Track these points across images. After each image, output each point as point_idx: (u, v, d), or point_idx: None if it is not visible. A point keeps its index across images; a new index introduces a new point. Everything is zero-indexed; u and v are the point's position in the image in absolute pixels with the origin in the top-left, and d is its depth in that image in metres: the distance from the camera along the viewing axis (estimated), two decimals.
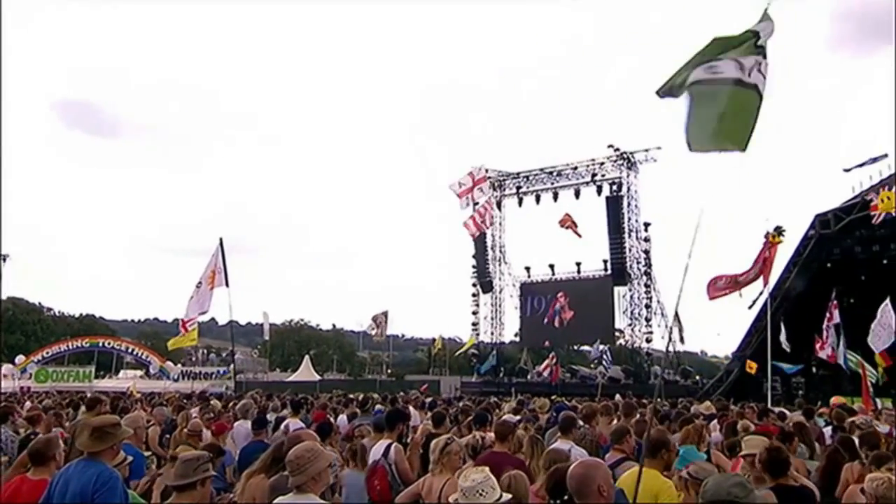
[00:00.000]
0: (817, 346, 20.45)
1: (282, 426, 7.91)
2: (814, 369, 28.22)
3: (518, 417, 7.99)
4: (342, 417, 8.94)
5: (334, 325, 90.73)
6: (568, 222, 34.55)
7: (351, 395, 14.04)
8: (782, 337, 22.49)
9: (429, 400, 13.40)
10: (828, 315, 18.50)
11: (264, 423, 7.19)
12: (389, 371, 65.49)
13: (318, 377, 45.47)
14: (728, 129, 3.69)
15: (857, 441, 5.96)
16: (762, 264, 14.04)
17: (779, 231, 14.05)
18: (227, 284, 16.39)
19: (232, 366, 29.32)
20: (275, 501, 3.58)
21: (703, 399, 23.49)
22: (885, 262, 26.62)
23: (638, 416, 7.78)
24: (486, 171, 32.94)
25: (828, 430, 8.48)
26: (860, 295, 25.56)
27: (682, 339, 28.75)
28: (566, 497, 3.29)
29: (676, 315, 24.82)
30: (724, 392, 28.05)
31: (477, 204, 31.26)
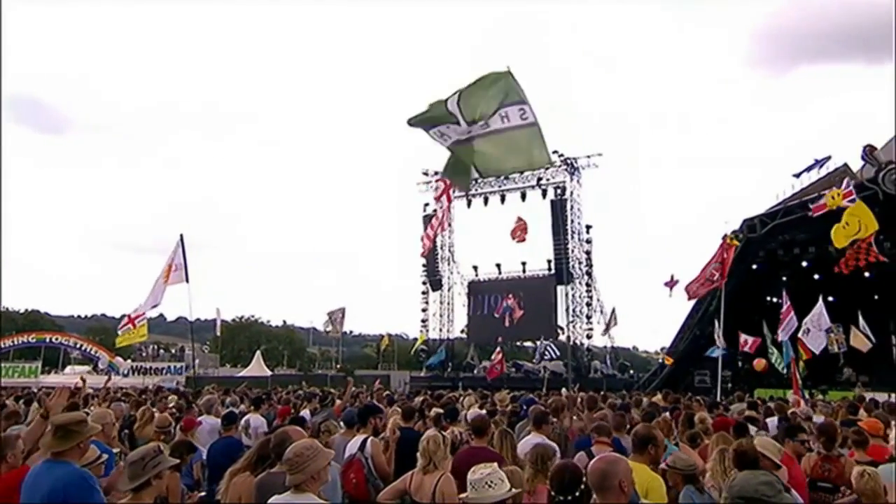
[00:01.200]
0: (741, 343, 21.40)
1: (242, 421, 7.73)
2: (739, 363, 29.46)
3: (484, 411, 7.80)
4: (305, 412, 8.80)
5: (285, 322, 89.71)
6: (517, 232, 35.08)
7: (314, 391, 13.84)
8: (717, 334, 23.42)
9: (385, 394, 13.37)
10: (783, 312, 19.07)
11: (234, 419, 6.98)
12: (339, 366, 65.11)
13: (269, 372, 44.79)
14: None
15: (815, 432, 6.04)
16: (721, 265, 14.63)
17: (735, 235, 14.77)
18: (186, 280, 16.18)
19: (196, 361, 28.82)
20: (271, 501, 3.44)
21: (639, 392, 24.38)
22: (804, 264, 28.01)
23: (601, 410, 7.62)
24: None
25: (772, 421, 8.49)
26: (781, 294, 26.88)
27: (607, 333, 29.60)
28: (577, 494, 3.20)
29: (613, 312, 25.70)
30: (657, 385, 28.93)
31: (436, 211, 31.38)
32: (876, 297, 28.25)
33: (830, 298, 22.73)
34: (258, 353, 49.96)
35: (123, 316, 20.02)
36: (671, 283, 26.07)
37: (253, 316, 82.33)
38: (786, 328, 17.95)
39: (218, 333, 47.97)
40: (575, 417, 7.01)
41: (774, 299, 28.23)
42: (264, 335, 76.57)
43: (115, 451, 5.95)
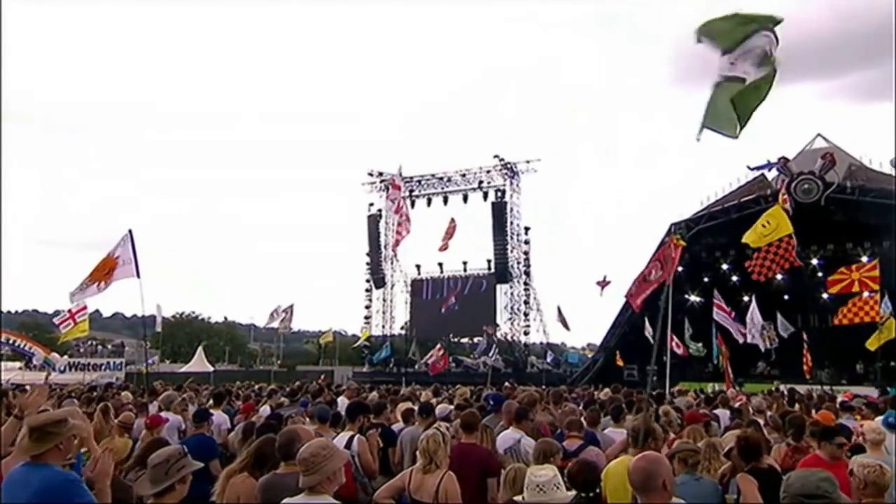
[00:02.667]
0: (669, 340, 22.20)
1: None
2: (664, 358, 30.55)
3: (451, 406, 7.71)
4: (265, 408, 8.52)
5: (226, 318, 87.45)
6: (445, 237, 35.31)
7: (273, 386, 13.51)
8: (647, 332, 24.27)
9: (336, 388, 13.23)
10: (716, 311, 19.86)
11: (206, 416, 6.48)
12: (280, 362, 64.14)
13: (211, 368, 43.81)
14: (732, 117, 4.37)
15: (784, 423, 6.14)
16: (667, 264, 15.07)
17: (682, 236, 15.21)
18: (137, 276, 15.60)
19: (136, 357, 27.76)
20: (284, 502, 3.24)
21: (574, 385, 25.09)
22: (724, 266, 29.35)
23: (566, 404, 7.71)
24: (402, 175, 33.25)
25: (724, 413, 8.50)
26: (703, 294, 28.13)
27: (566, 328, 30.25)
28: (597, 491, 3.17)
29: (559, 310, 26.42)
30: (590, 379, 29.70)
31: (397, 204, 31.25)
32: (786, 297, 29.85)
33: (746, 298, 23.98)
34: (200, 349, 48.68)
35: (58, 311, 19.17)
36: (603, 283, 27.00)
37: (193, 312, 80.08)
38: (729, 325, 18.83)
39: (158, 329, 46.37)
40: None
41: (696, 299, 29.48)
42: (205, 331, 74.48)
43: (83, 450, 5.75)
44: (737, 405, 9.48)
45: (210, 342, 66.29)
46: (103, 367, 37.51)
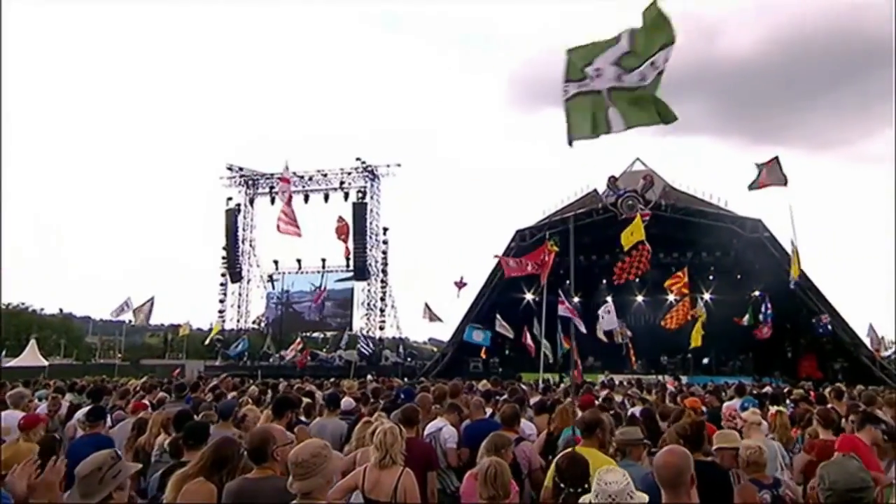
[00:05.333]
0: (524, 335, 23.45)
1: (77, 415, 6.54)
2: (507, 351, 32.11)
3: (353, 401, 7.34)
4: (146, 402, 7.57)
5: (61, 310, 78.49)
6: (339, 233, 34.67)
7: (148, 381, 12.29)
8: (498, 326, 25.33)
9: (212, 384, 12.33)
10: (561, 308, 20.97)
11: (102, 415, 5.67)
12: (121, 356, 58.97)
13: (45, 362, 39.26)
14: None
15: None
16: (540, 266, 15.77)
17: (555, 242, 16.04)
18: None
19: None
20: None
21: (425, 376, 25.60)
22: (560, 270, 31.36)
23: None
24: (288, 170, 31.83)
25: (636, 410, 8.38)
26: (547, 294, 29.85)
27: (439, 319, 30.59)
28: (586, 486, 2.93)
29: (427, 307, 26.79)
30: (439, 372, 30.40)
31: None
32: (608, 298, 32.55)
33: (576, 299, 25.92)
34: (32, 341, 43.53)
35: None
36: (460, 284, 27.81)
37: (23, 303, 71.07)
38: (576, 321, 20.07)
39: None
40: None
41: (537, 298, 31.26)
42: (36, 323, 66.47)
43: None
44: (603, 395, 9.64)
45: (42, 335, 59.39)
46: None
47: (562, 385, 15.86)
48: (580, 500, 2.70)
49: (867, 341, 26.07)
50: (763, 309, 22.59)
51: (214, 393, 8.02)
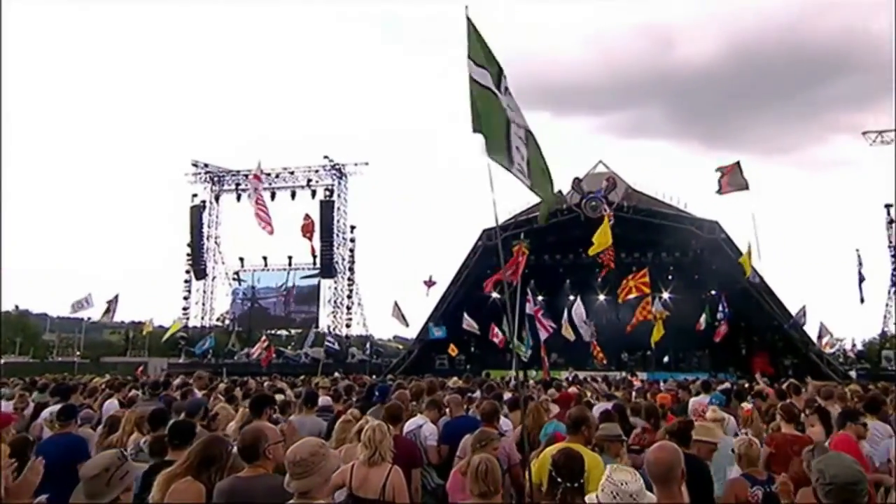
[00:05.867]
0: (492, 332, 23.62)
1: (44, 413, 6.37)
2: (472, 349, 32.31)
3: (329, 398, 7.37)
4: (113, 402, 7.54)
5: (17, 307, 75.60)
6: (306, 230, 34.20)
7: (121, 379, 11.89)
8: (465, 324, 25.45)
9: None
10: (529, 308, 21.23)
11: (73, 413, 5.44)
12: (79, 353, 57.25)
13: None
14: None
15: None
16: (514, 267, 15.91)
17: (527, 244, 16.26)
18: None
19: None
20: None
21: (392, 374, 25.56)
22: (525, 270, 31.67)
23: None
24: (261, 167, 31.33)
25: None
26: (511, 292, 30.09)
27: (405, 324, 30.58)
28: (581, 482, 2.97)
29: (396, 305, 26.78)
30: (406, 369, 30.41)
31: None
32: (570, 297, 33.01)
33: (541, 298, 26.25)
34: None
35: None
36: (429, 283, 27.88)
37: None
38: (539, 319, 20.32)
39: None
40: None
41: (501, 297, 31.50)
42: None
43: None
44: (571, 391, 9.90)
45: None
46: None
47: (531, 381, 16.10)
48: (587, 499, 2.68)
49: (816, 339, 27.10)
50: (721, 308, 23.23)
51: (182, 390, 7.82)
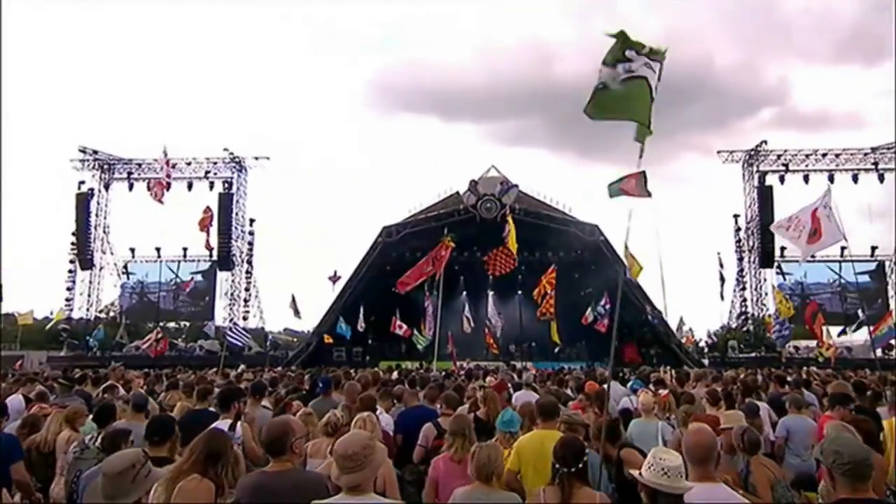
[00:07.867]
0: (394, 325, 23.88)
1: None
2: (370, 340, 32.44)
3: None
4: (17, 398, 6.87)
5: None
6: (204, 224, 32.58)
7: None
8: (360, 319, 25.57)
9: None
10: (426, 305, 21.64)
11: (4, 411, 5.14)
12: None
13: None
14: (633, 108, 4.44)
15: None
16: (438, 261, 16.04)
17: (452, 238, 16.44)
18: None
19: None
20: (327, 501, 2.59)
21: (290, 365, 25.23)
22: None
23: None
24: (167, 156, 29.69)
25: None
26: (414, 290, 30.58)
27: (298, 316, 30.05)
28: (580, 466, 3.03)
29: (293, 298, 26.31)
30: (304, 361, 30.05)
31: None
32: (464, 292, 33.99)
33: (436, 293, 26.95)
34: None
35: None
36: (334, 278, 27.70)
37: None
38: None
39: None
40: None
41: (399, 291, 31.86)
42: None
43: None
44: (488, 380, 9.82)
45: None
46: None
47: (441, 372, 16.49)
48: (636, 472, 2.73)
49: (676, 330, 29.83)
50: (602, 303, 24.92)
51: (102, 386, 7.31)
